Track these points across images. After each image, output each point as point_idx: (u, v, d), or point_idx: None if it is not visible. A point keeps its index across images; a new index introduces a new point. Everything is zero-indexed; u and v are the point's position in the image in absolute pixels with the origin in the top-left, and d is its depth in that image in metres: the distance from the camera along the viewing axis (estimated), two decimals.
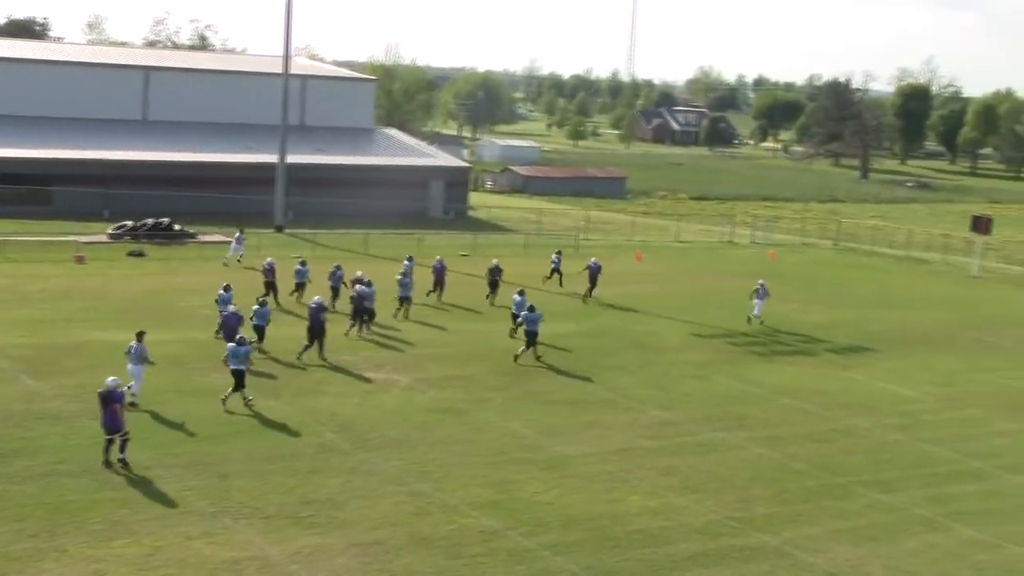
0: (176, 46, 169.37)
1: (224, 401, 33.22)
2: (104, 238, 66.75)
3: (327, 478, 28.13)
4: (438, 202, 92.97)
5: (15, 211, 72.69)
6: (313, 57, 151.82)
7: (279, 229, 74.72)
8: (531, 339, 41.52)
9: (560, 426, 33.99)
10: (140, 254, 62.38)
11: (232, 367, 33.28)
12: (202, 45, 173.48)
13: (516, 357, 41.51)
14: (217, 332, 40.25)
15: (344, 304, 46.43)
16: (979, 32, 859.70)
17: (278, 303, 47.79)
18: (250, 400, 33.47)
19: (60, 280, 52.83)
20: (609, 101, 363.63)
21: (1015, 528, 28.16)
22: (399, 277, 48.58)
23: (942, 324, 55.95)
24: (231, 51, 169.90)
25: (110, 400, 27.67)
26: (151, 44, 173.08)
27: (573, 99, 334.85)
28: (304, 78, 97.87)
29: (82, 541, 23.47)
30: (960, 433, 36.52)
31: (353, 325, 43.98)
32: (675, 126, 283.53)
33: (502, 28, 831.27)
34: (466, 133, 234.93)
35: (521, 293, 45.54)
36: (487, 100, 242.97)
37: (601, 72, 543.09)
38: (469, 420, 34.04)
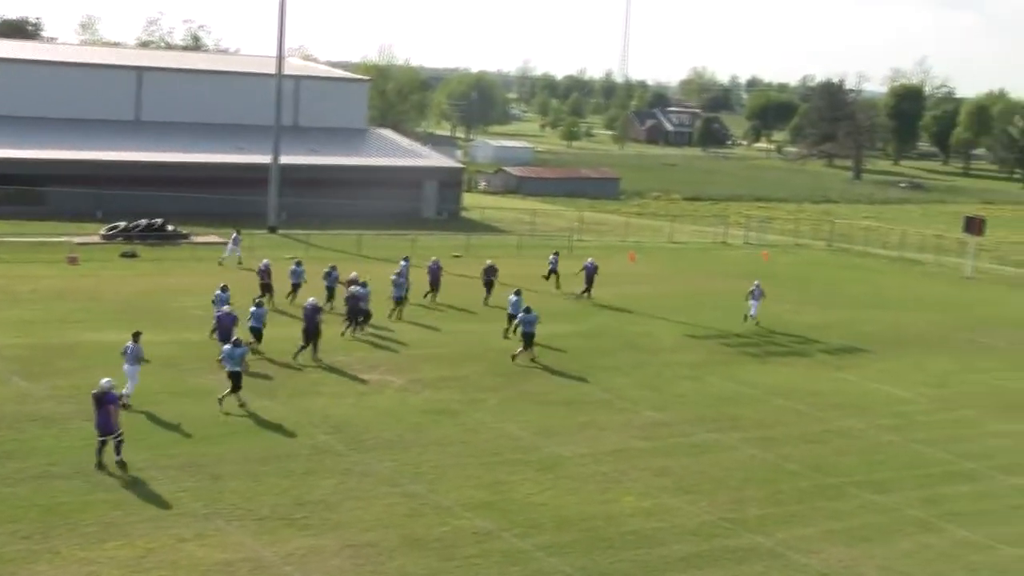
0: (169, 46, 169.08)
1: (220, 402, 33.19)
2: (97, 239, 66.59)
3: (321, 479, 28.10)
4: (431, 203, 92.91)
5: (7, 212, 72.43)
6: (306, 57, 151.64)
7: (272, 230, 74.65)
8: (528, 340, 41.56)
9: (554, 427, 33.98)
10: (133, 255, 62.27)
11: (228, 369, 33.27)
12: (195, 45, 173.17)
13: (514, 357, 41.57)
14: (212, 333, 40.20)
15: (340, 305, 46.41)
16: (972, 32, 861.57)
17: (272, 304, 47.74)
18: (243, 402, 33.44)
19: (52, 281, 52.73)
20: (603, 102, 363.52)
21: (1008, 529, 28.21)
22: (394, 277, 48.59)
23: (935, 325, 56.03)
24: (224, 51, 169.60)
25: (104, 401, 27.63)
26: (144, 44, 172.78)
27: (567, 100, 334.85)
28: (297, 78, 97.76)
29: (75, 543, 23.42)
30: (953, 434, 36.57)
31: (348, 326, 43.98)
32: (669, 127, 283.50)
33: (495, 28, 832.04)
34: (459, 134, 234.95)
35: (518, 293, 45.56)
36: (480, 101, 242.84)
37: (595, 73, 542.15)
38: (463, 421, 34.03)
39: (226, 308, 39.24)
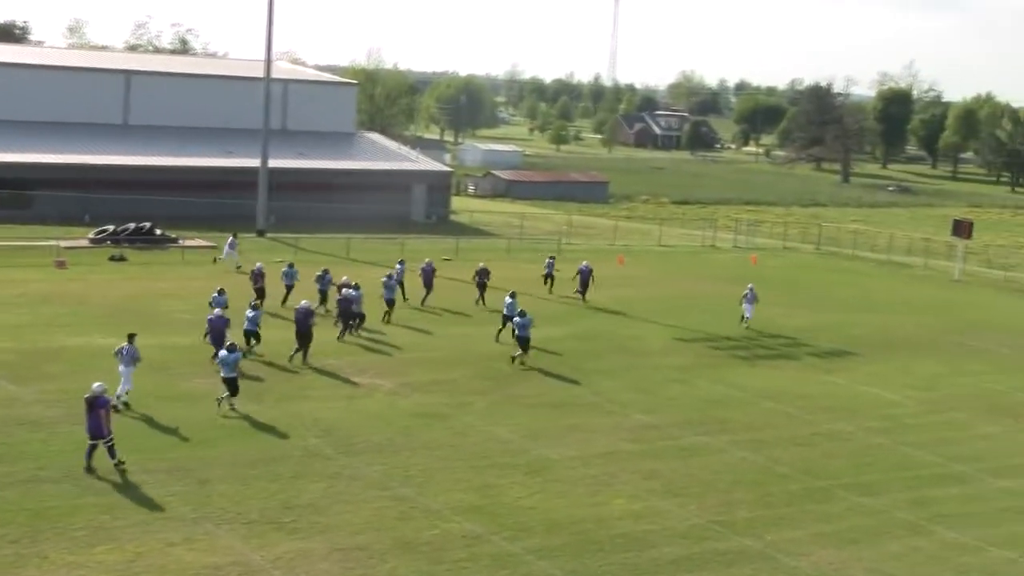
0: (157, 50, 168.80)
1: (219, 403, 33.32)
2: (85, 243, 66.45)
3: (310, 483, 28.06)
4: (420, 206, 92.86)
5: None
6: (295, 61, 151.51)
7: (261, 234, 74.54)
8: (522, 344, 41.63)
9: (543, 430, 33.97)
10: (121, 259, 62.16)
11: (223, 375, 33.23)
12: (183, 49, 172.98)
13: (514, 359, 41.75)
14: (205, 336, 40.16)
15: (333, 307, 46.34)
16: (959, 36, 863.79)
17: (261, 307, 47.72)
18: (233, 406, 33.40)
19: (40, 285, 52.58)
20: (591, 105, 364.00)
21: (997, 531, 28.26)
22: (384, 279, 48.60)
23: (924, 328, 56.13)
24: (212, 55, 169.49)
25: (96, 405, 27.58)
26: (132, 48, 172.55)
27: (555, 103, 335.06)
28: (286, 82, 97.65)
29: (64, 547, 23.35)
30: (942, 437, 36.64)
31: (343, 330, 43.99)
32: (657, 130, 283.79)
33: (484, 32, 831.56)
34: (448, 137, 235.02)
35: (513, 295, 45.62)
36: (469, 104, 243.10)
37: (583, 76, 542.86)
38: (452, 425, 34.01)
39: (217, 312, 39.18)
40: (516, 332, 42.02)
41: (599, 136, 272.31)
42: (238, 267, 58.52)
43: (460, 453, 31.33)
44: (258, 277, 49.19)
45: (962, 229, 79.17)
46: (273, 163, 78.51)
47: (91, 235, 68.07)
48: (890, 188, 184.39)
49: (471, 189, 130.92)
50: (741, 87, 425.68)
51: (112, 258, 62.01)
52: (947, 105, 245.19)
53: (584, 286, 55.66)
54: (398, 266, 52.67)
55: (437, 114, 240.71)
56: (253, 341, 40.34)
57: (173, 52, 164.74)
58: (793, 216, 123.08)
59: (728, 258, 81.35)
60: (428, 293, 52.56)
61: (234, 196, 79.44)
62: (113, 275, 57.57)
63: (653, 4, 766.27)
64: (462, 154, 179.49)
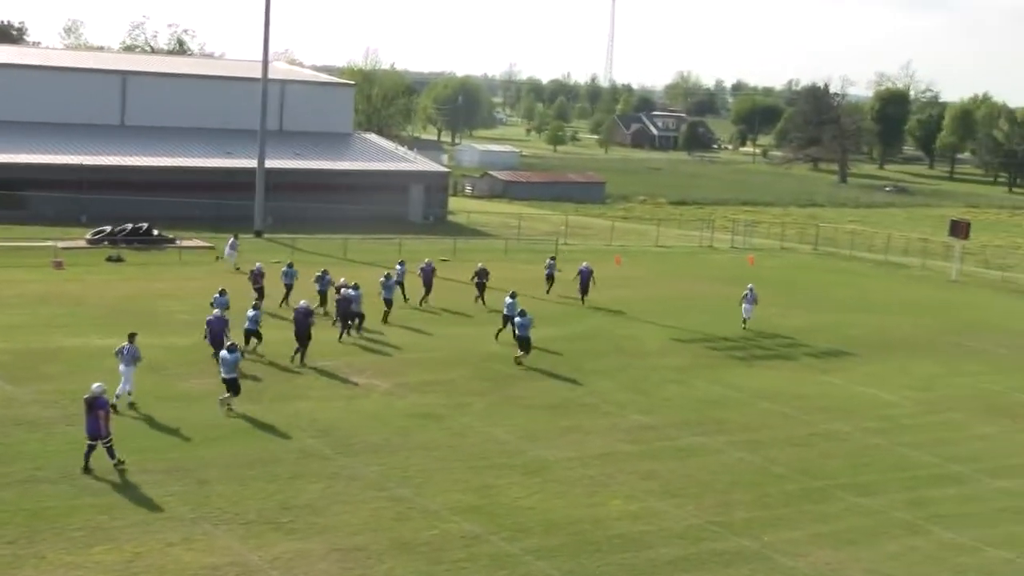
0: (154, 51, 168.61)
1: (222, 405, 33.38)
2: (82, 243, 66.41)
3: (307, 483, 28.06)
4: (417, 207, 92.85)
5: None
6: (292, 62, 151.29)
7: (258, 234, 74.50)
8: (523, 344, 41.68)
9: (540, 431, 33.98)
10: (119, 259, 62.12)
11: (223, 376, 33.23)
12: (180, 50, 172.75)
13: (518, 361, 41.80)
14: (205, 336, 40.17)
15: (332, 308, 46.34)
16: (948, 35, 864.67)
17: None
18: (230, 406, 33.42)
19: (37, 285, 52.56)
20: (588, 106, 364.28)
21: (994, 531, 28.28)
22: (382, 279, 48.61)
23: (921, 328, 56.16)
24: (209, 56, 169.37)
25: (95, 406, 27.58)
26: (129, 48, 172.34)
27: (552, 104, 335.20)
28: (283, 83, 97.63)
29: (61, 547, 23.34)
30: (939, 437, 36.66)
31: (342, 330, 44.01)
32: (654, 131, 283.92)
33: (481, 32, 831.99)
34: (445, 138, 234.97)
35: (513, 296, 45.66)
36: (466, 105, 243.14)
37: (580, 77, 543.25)
38: (449, 425, 34.01)
39: (216, 312, 39.16)
40: (517, 332, 42.07)
41: (596, 137, 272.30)
42: (236, 268, 58.54)
43: (458, 454, 31.33)
44: (258, 277, 49.34)
45: (959, 229, 79.18)
46: (270, 163, 78.51)
47: (88, 236, 68.03)
48: (887, 188, 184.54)
49: (468, 190, 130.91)
50: (738, 87, 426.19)
51: (109, 259, 61.98)
52: (944, 105, 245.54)
53: (584, 287, 55.65)
54: (398, 267, 52.78)
55: (434, 115, 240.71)
56: (254, 340, 40.39)
57: (170, 53, 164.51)
58: (790, 216, 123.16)
59: (725, 259, 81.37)
60: (427, 293, 52.61)
61: (231, 197, 79.43)
62: (110, 276, 57.54)
63: (650, 5, 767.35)
64: (459, 155, 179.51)
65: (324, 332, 43.22)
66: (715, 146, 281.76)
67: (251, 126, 79.92)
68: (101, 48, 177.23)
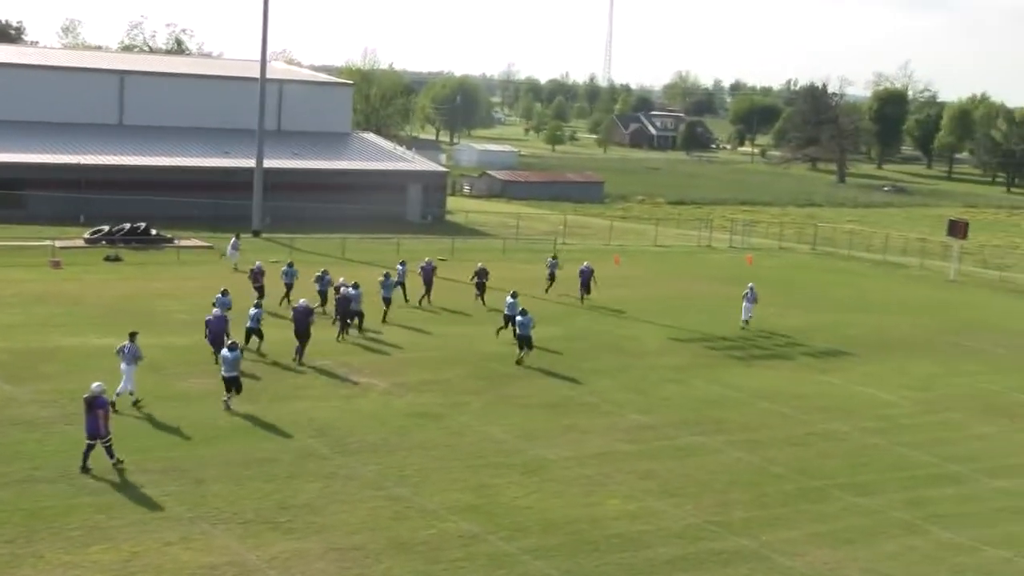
0: (152, 50, 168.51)
1: (227, 406, 33.41)
2: (80, 243, 66.38)
3: (305, 483, 28.04)
4: (416, 206, 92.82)
5: None
6: (290, 62, 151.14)
7: (256, 234, 74.46)
8: (524, 343, 41.70)
9: (538, 430, 33.96)
10: (117, 259, 62.08)
11: (223, 374, 33.23)
12: (178, 49, 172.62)
13: (519, 361, 41.80)
14: (206, 336, 40.16)
15: (332, 307, 46.32)
16: (948, 35, 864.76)
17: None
18: (228, 406, 33.44)
19: (35, 285, 52.52)
20: (587, 106, 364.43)
21: (992, 531, 28.27)
22: (381, 279, 48.60)
23: (919, 328, 56.16)
24: (207, 55, 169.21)
25: (95, 405, 27.55)
26: (127, 48, 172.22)
27: (550, 104, 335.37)
28: (281, 83, 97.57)
29: (59, 547, 23.32)
30: (938, 437, 36.64)
31: (341, 329, 44.00)
32: (652, 131, 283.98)
33: (479, 32, 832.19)
34: (443, 138, 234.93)
35: (514, 295, 45.68)
36: (464, 104, 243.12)
37: (578, 76, 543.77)
38: (447, 425, 33.99)
39: (216, 312, 39.15)
40: (518, 331, 42.09)
41: (595, 136, 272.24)
42: (235, 268, 58.56)
43: (456, 453, 31.32)
44: (258, 275, 49.42)
45: (957, 229, 79.18)
46: (268, 163, 78.47)
47: (86, 235, 67.99)
48: (886, 188, 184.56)
49: (467, 189, 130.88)
50: (736, 87, 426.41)
51: (107, 258, 61.94)
52: (942, 105, 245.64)
53: (585, 287, 55.67)
54: (400, 267, 52.89)
55: (432, 114, 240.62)
56: (255, 339, 40.40)
57: (168, 52, 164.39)
58: (789, 216, 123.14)
59: (724, 258, 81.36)
60: (428, 292, 52.64)
61: (229, 196, 79.38)
62: (108, 275, 57.50)
63: (648, 4, 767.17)
64: (458, 154, 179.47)
65: (323, 331, 43.22)
66: (713, 146, 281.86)
67: (249, 126, 79.89)
68: (99, 48, 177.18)
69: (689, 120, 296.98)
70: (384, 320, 47.39)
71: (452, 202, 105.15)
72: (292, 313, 40.97)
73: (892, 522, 28.37)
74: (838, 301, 63.57)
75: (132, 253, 64.27)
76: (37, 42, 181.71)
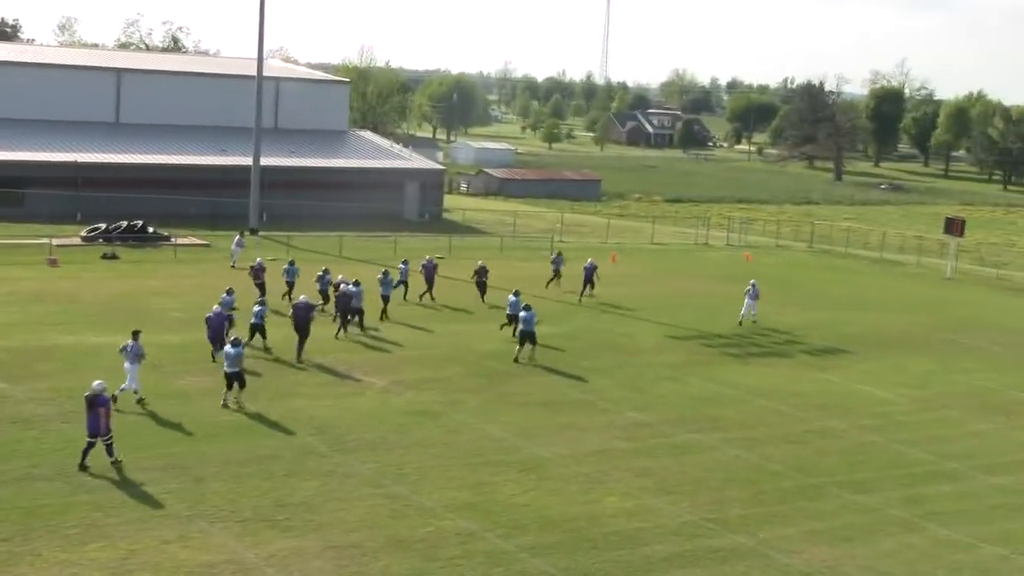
0: (148, 48, 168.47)
1: (235, 403, 33.49)
2: (77, 241, 66.33)
3: (303, 481, 28.04)
4: (413, 204, 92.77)
5: None
6: (287, 59, 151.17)
7: (253, 232, 74.37)
8: (525, 339, 41.77)
9: (536, 428, 33.98)
10: (114, 257, 62.04)
11: (226, 370, 33.25)
12: (175, 47, 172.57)
13: (518, 359, 41.89)
14: (207, 333, 40.16)
15: (333, 306, 46.31)
16: (948, 34, 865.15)
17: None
18: (227, 403, 33.46)
19: (31, 283, 52.48)
20: (583, 104, 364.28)
21: (990, 528, 28.31)
22: (380, 276, 48.60)
23: (916, 326, 56.19)
24: (204, 53, 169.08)
25: (96, 404, 27.54)
26: (123, 46, 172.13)
27: (547, 102, 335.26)
28: (278, 80, 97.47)
29: (56, 545, 23.32)
30: (935, 434, 36.68)
31: (340, 327, 44.00)
32: (649, 129, 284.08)
33: (476, 30, 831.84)
34: (440, 135, 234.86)
35: (516, 293, 45.71)
36: (461, 102, 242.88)
37: (575, 75, 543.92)
38: (445, 422, 34.00)
39: (216, 309, 39.16)
40: (521, 327, 42.14)
41: (591, 134, 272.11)
42: (232, 265, 58.59)
43: (453, 451, 31.32)
44: (259, 272, 49.48)
45: (954, 227, 79.24)
46: (265, 161, 78.40)
47: (83, 233, 67.94)
48: (882, 186, 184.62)
49: (464, 187, 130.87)
50: (733, 85, 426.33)
51: (104, 256, 61.89)
52: (939, 103, 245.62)
53: (587, 283, 55.74)
54: (401, 266, 53.01)
55: (429, 112, 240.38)
56: (258, 335, 40.43)
57: (164, 50, 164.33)
58: (786, 214, 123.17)
59: (721, 256, 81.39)
60: (429, 289, 52.68)
61: (226, 194, 79.29)
62: (105, 273, 57.46)
63: (645, 2, 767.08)
64: (455, 152, 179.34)
65: (323, 329, 43.23)
66: (710, 144, 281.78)
67: (246, 123, 79.83)
68: (96, 45, 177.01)
69: (686, 118, 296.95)
70: (382, 318, 47.38)
71: (449, 200, 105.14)
72: (292, 310, 41.01)
73: (889, 519, 28.40)
74: (835, 299, 63.62)
75: (129, 251, 64.23)
76: (33, 40, 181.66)
